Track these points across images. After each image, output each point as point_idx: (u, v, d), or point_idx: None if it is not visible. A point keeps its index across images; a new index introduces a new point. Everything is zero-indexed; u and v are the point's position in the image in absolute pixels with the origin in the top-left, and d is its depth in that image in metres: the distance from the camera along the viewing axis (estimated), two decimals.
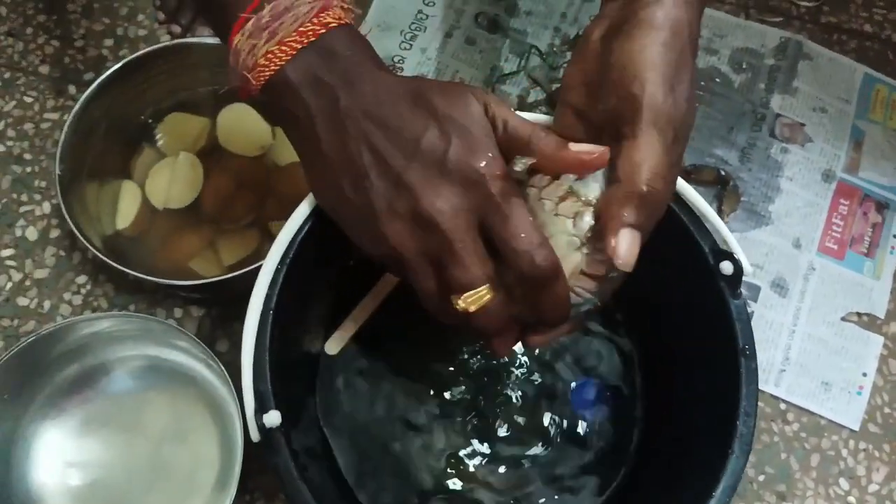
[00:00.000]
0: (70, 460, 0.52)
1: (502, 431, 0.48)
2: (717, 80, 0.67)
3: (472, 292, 0.33)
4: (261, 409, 0.33)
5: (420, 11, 0.68)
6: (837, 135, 0.66)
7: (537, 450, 0.47)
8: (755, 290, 0.61)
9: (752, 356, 0.36)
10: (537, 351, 0.49)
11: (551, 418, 0.48)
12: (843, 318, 0.61)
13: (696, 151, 0.65)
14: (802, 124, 0.66)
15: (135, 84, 0.58)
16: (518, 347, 0.50)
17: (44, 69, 0.67)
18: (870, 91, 0.68)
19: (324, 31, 0.35)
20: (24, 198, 0.62)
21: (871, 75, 0.69)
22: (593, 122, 0.36)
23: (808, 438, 0.58)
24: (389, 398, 0.48)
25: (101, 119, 0.57)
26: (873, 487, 0.58)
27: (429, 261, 0.34)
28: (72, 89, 0.66)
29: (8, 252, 0.60)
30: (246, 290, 0.38)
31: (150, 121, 0.61)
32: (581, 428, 0.48)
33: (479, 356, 0.50)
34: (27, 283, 0.59)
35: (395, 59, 0.67)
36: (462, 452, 0.47)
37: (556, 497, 0.45)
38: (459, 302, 0.33)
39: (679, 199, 0.39)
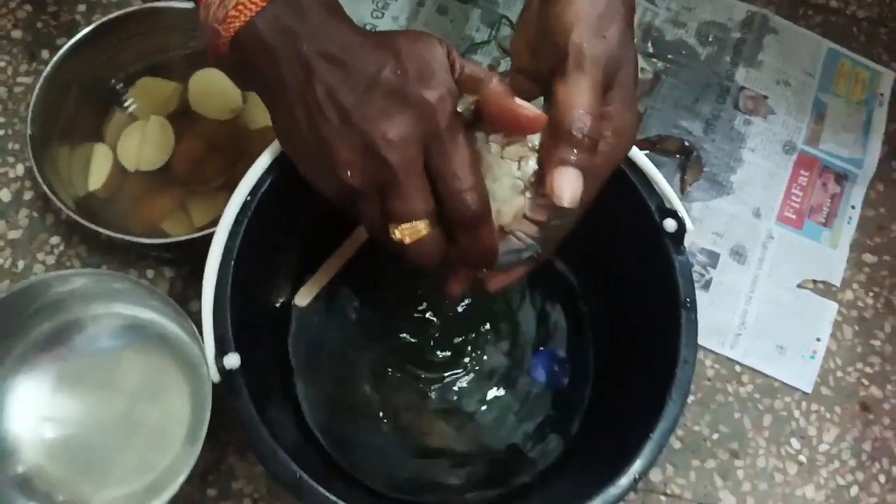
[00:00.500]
0: (45, 415, 0.53)
1: (462, 384, 0.50)
2: (684, 51, 0.68)
3: (408, 224, 0.34)
4: (220, 353, 0.35)
5: None
6: (800, 107, 0.68)
7: (496, 392, 0.49)
8: (715, 257, 0.63)
9: (693, 308, 0.37)
10: (498, 314, 0.51)
11: (510, 371, 0.50)
12: (799, 285, 0.63)
13: (661, 122, 0.66)
14: (766, 97, 0.68)
15: (106, 47, 0.59)
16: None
17: (16, 34, 0.67)
18: (834, 65, 0.70)
19: None
20: None
21: (835, 50, 0.70)
22: (541, 83, 0.37)
23: (762, 399, 0.60)
24: (355, 349, 0.49)
25: (72, 82, 0.58)
26: (823, 447, 0.60)
27: (376, 191, 0.35)
28: (45, 54, 0.66)
29: None
30: None
31: (121, 84, 0.61)
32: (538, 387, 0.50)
33: (443, 313, 0.52)
34: (1, 243, 0.60)
35: (367, 27, 0.67)
36: (423, 401, 0.49)
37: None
38: (396, 232, 0.34)
39: (629, 161, 0.40)
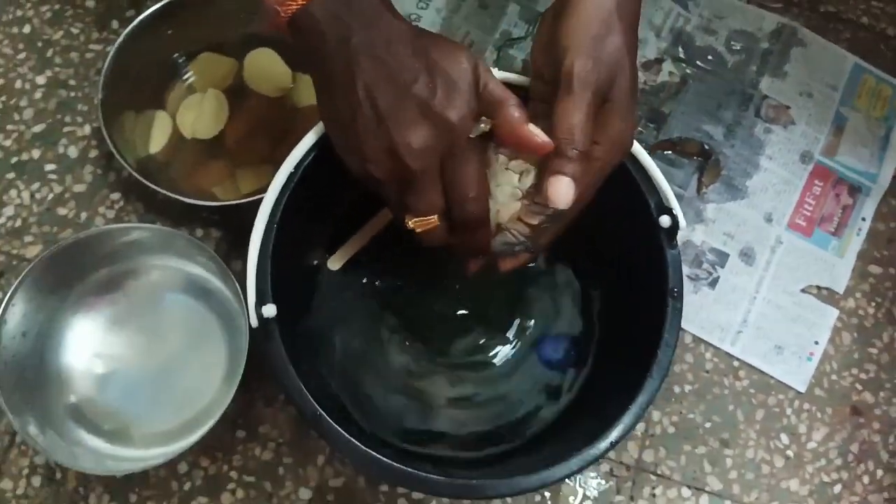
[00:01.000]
0: (97, 352, 0.59)
1: (475, 356, 0.54)
2: (711, 57, 0.71)
3: (422, 218, 0.40)
4: (260, 302, 0.40)
5: None
6: (820, 119, 0.70)
7: (503, 364, 0.54)
8: (724, 256, 0.66)
9: (679, 298, 0.41)
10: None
11: (519, 348, 0.55)
12: (802, 290, 0.66)
13: (684, 124, 0.69)
14: (788, 107, 0.70)
15: (173, 24, 0.64)
16: None
17: (90, 3, 0.73)
18: (858, 80, 0.72)
19: None
20: (67, 119, 0.68)
21: (860, 65, 0.72)
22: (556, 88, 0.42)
23: (756, 395, 0.64)
24: (378, 313, 0.54)
25: (140, 53, 0.63)
26: (811, 445, 0.63)
27: (396, 184, 0.40)
28: (114, 24, 0.72)
29: (51, 167, 0.67)
30: None
31: (183, 58, 0.67)
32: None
33: (463, 287, 0.56)
34: (66, 195, 0.66)
35: (412, 17, 0.72)
36: (436, 367, 0.54)
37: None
38: (410, 222, 0.41)
39: (634, 160, 0.44)
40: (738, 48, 0.72)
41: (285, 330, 0.42)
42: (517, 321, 0.55)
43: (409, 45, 0.39)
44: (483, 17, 0.72)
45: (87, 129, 0.68)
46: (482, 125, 0.40)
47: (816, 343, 0.65)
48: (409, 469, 0.39)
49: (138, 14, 0.63)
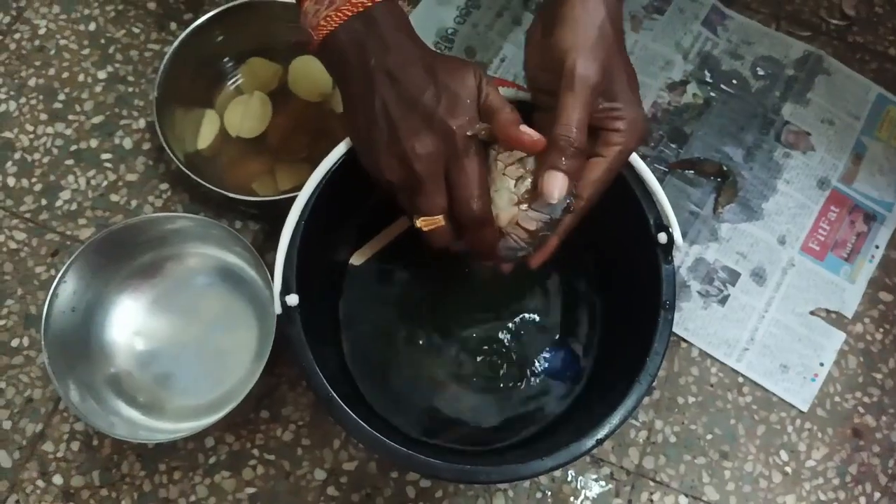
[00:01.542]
0: (138, 329, 0.64)
1: (487, 357, 0.58)
2: (735, 81, 0.73)
3: (428, 218, 0.44)
4: (285, 291, 0.44)
5: None
6: (840, 147, 0.72)
7: (508, 369, 0.57)
8: (736, 275, 0.68)
9: (671, 310, 0.44)
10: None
11: (526, 354, 0.58)
12: (811, 312, 0.68)
13: (705, 145, 0.72)
14: (808, 133, 0.72)
15: (225, 30, 0.69)
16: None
17: (151, 5, 0.78)
18: (881, 110, 0.73)
19: (371, 4, 0.44)
20: (124, 112, 0.73)
21: (884, 96, 0.74)
22: (553, 97, 0.45)
23: (759, 411, 0.66)
24: (397, 310, 0.58)
25: (194, 55, 0.68)
26: (810, 463, 0.65)
27: (407, 187, 0.44)
28: (172, 25, 0.77)
29: (107, 156, 0.72)
30: None
31: (232, 62, 0.71)
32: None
33: (480, 290, 0.60)
34: (119, 183, 0.71)
35: (449, 32, 0.75)
36: (449, 365, 0.57)
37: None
38: (418, 222, 0.44)
39: (637, 178, 0.47)
40: (763, 74, 0.74)
41: (310, 318, 0.46)
42: (529, 329, 0.58)
43: (422, 66, 0.43)
44: (517, 32, 0.75)
45: (141, 123, 0.73)
46: (478, 126, 0.43)
47: (821, 364, 0.67)
48: (409, 451, 0.42)
49: (195, 17, 0.68)
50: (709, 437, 0.65)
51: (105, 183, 0.71)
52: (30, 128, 0.72)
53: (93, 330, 0.63)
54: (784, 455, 0.65)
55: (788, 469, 0.65)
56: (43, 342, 0.58)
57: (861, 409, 0.66)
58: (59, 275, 0.59)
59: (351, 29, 0.44)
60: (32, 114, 0.73)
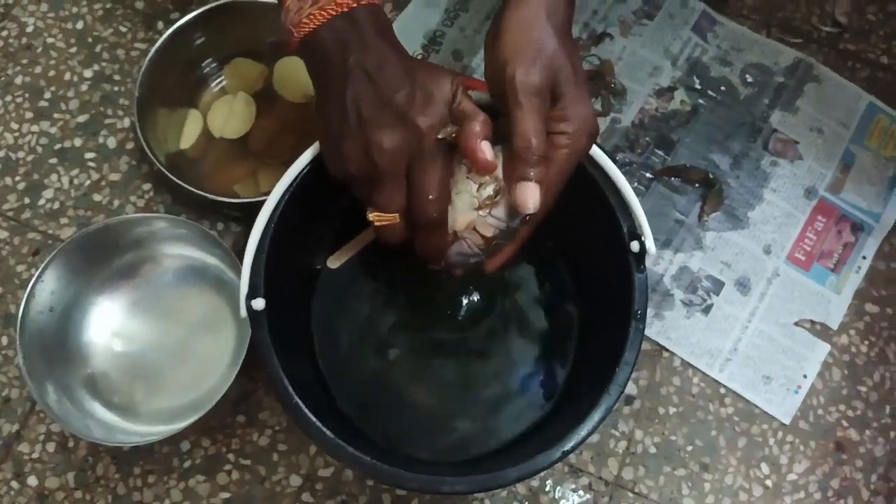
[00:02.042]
0: (116, 331, 0.64)
1: (461, 364, 0.57)
2: (724, 88, 0.73)
3: (381, 213, 0.44)
4: (251, 295, 0.44)
5: None
6: (828, 155, 0.71)
7: (486, 374, 0.57)
8: (720, 284, 0.68)
9: (642, 319, 0.44)
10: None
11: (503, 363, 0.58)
12: (795, 323, 0.67)
13: (691, 153, 0.71)
14: (796, 142, 0.71)
15: (210, 30, 0.69)
16: None
17: (139, 4, 0.78)
18: (871, 119, 0.72)
19: (355, 5, 0.44)
20: (108, 112, 0.73)
21: (875, 104, 0.73)
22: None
23: (740, 423, 0.65)
24: (372, 315, 0.57)
25: (178, 55, 0.68)
26: (791, 476, 0.64)
27: (367, 180, 0.44)
28: (159, 25, 0.77)
29: (90, 155, 0.72)
30: None
31: (216, 63, 0.71)
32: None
33: (456, 298, 0.59)
34: (102, 183, 0.71)
35: (436, 34, 0.75)
36: (424, 370, 0.57)
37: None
38: (371, 216, 0.44)
39: (613, 185, 0.47)
40: (752, 81, 0.73)
41: (281, 322, 0.46)
42: (510, 335, 0.58)
43: (401, 68, 0.43)
44: None
45: (126, 122, 0.73)
46: (448, 129, 0.43)
47: (805, 376, 0.66)
48: (373, 460, 0.41)
49: (182, 17, 0.67)
50: (689, 448, 0.64)
51: (88, 182, 0.71)
52: (15, 126, 0.72)
53: (71, 330, 0.63)
54: (765, 468, 0.64)
55: (769, 482, 0.64)
56: (18, 342, 0.58)
57: (844, 423, 0.65)
58: (37, 274, 0.59)
59: (334, 28, 0.44)
60: (18, 112, 0.73)
